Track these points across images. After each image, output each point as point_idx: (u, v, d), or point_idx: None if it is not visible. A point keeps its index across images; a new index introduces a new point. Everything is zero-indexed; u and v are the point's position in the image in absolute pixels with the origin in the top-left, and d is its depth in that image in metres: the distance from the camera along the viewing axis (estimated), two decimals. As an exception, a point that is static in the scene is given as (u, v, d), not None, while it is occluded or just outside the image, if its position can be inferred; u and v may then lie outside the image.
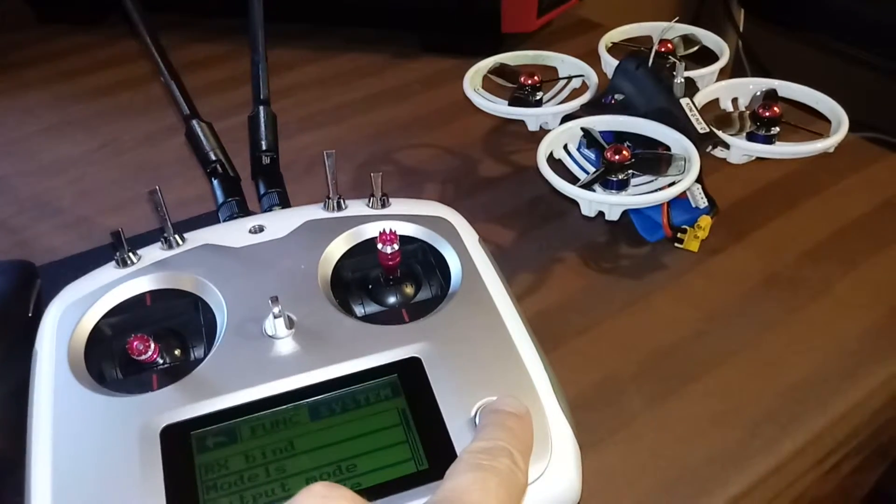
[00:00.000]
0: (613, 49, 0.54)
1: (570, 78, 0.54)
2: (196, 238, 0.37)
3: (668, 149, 0.45)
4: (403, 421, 0.29)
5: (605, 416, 0.39)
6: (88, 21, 0.79)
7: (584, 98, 0.50)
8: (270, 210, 0.41)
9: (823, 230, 0.50)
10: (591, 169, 0.46)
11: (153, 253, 0.36)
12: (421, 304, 0.36)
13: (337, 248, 0.36)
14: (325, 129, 0.62)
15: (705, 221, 0.46)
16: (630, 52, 0.51)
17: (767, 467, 0.36)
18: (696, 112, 0.45)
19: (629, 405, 0.39)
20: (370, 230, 0.37)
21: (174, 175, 0.57)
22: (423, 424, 0.29)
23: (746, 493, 0.36)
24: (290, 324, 0.32)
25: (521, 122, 0.51)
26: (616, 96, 0.49)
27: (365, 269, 0.37)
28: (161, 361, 0.33)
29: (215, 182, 0.43)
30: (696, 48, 0.54)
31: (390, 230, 0.35)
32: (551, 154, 0.47)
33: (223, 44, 0.74)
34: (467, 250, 0.36)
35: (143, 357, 0.32)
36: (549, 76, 0.54)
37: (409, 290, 0.36)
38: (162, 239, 0.36)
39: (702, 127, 0.44)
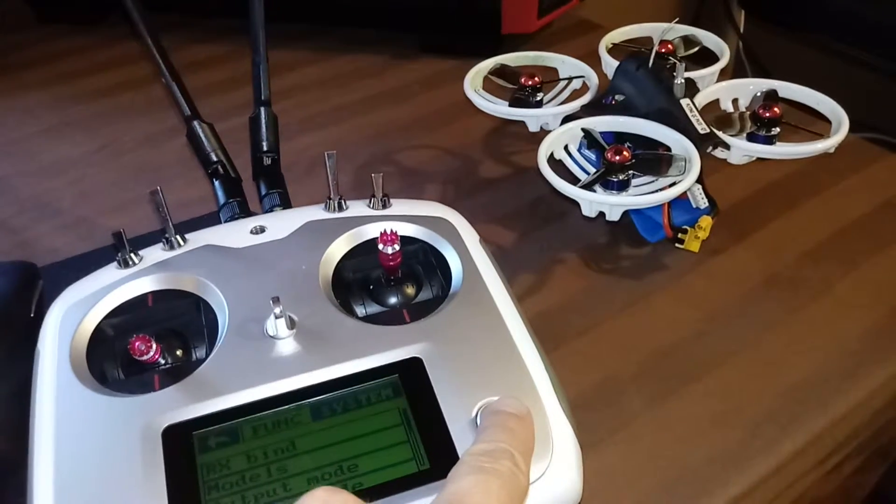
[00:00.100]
0: (614, 50, 0.54)
1: (570, 79, 0.54)
2: (197, 239, 0.37)
3: (669, 149, 0.45)
4: (404, 421, 0.29)
5: (605, 416, 0.39)
6: (89, 22, 0.79)
7: (585, 99, 0.50)
8: (271, 211, 0.41)
9: (824, 230, 0.50)
10: (592, 169, 0.46)
11: (155, 254, 0.36)
12: (422, 305, 0.36)
13: (338, 248, 0.36)
14: (326, 130, 0.62)
15: (706, 222, 0.46)
16: (630, 52, 0.51)
17: (768, 468, 0.36)
18: (696, 113, 0.45)
19: (630, 405, 0.39)
20: (371, 231, 0.37)
21: (175, 176, 0.57)
22: (425, 424, 0.29)
23: (747, 494, 0.36)
24: (292, 324, 0.32)
25: (522, 123, 0.51)
26: (616, 97, 0.49)
27: (366, 270, 0.37)
28: (163, 362, 0.33)
29: (216, 183, 0.43)
30: (696, 49, 0.54)
31: (391, 231, 0.35)
32: (552, 155, 0.47)
33: (224, 44, 0.74)
34: (468, 251, 0.36)
35: (145, 357, 0.32)
36: (550, 77, 0.54)
37: (409, 290, 0.36)
38: (163, 240, 0.36)
39: (702, 127, 0.45)
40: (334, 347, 0.31)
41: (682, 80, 0.46)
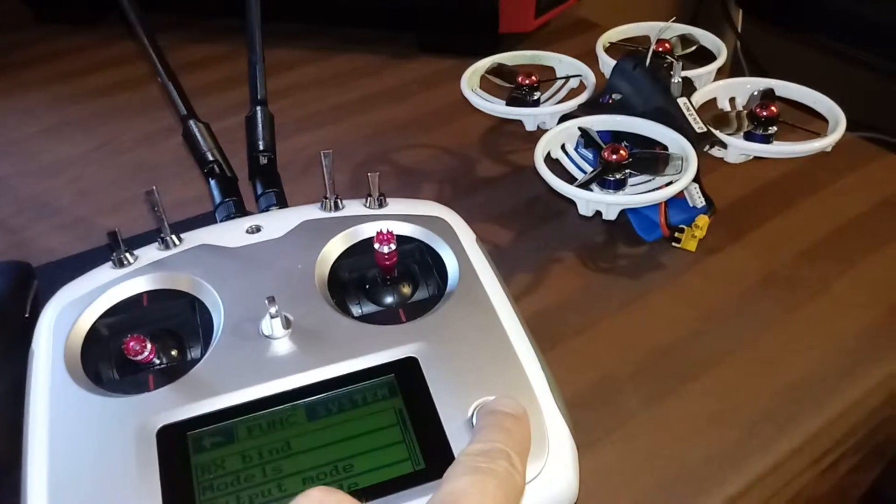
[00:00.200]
0: (611, 49, 0.54)
1: (567, 78, 0.54)
2: (193, 238, 0.37)
3: (666, 148, 0.45)
4: (400, 421, 0.29)
5: (602, 415, 0.39)
6: (87, 21, 0.79)
7: (582, 98, 0.50)
8: (267, 210, 0.41)
9: (821, 229, 0.50)
10: (589, 168, 0.46)
11: (150, 253, 0.36)
12: (418, 304, 0.36)
13: (334, 248, 0.36)
14: (323, 129, 0.62)
15: (703, 221, 0.46)
16: (627, 51, 0.51)
17: (765, 466, 0.36)
18: (693, 112, 0.45)
19: (626, 405, 0.39)
20: (367, 230, 0.37)
21: (172, 175, 0.57)
22: (420, 424, 0.29)
23: (744, 493, 0.36)
24: (287, 324, 0.32)
25: (519, 122, 0.51)
26: (613, 96, 0.49)
27: (362, 269, 0.37)
28: (157, 362, 0.33)
29: (212, 182, 0.43)
30: (693, 48, 0.54)
31: (387, 230, 0.35)
32: (549, 154, 0.47)
33: (221, 44, 0.74)
34: (464, 250, 0.36)
35: (140, 357, 0.32)
36: (547, 76, 0.54)
37: (406, 289, 0.36)
38: (159, 239, 0.36)
39: (699, 126, 0.45)
40: (330, 347, 0.31)
41: (679, 79, 0.46)
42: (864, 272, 0.46)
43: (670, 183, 0.42)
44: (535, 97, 0.52)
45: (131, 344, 0.31)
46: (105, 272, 0.35)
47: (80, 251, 0.50)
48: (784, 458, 0.37)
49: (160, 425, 0.29)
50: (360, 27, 0.76)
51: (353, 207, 0.38)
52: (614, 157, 0.43)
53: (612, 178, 0.43)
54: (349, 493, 0.24)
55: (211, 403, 0.29)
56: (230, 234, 0.37)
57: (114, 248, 0.35)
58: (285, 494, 0.27)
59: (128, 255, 0.35)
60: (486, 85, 0.53)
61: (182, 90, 0.44)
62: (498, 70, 0.53)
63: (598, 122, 0.47)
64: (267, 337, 0.32)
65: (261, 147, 0.44)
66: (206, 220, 0.41)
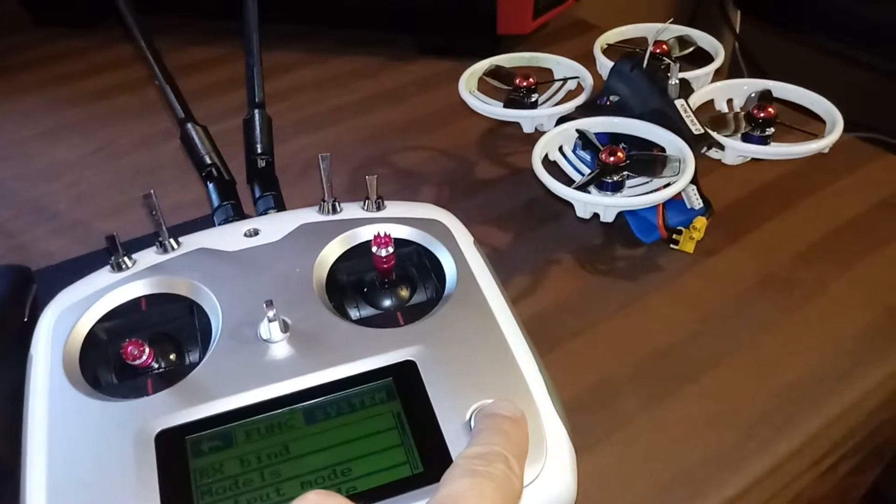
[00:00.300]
0: (609, 50, 0.54)
1: (565, 80, 0.54)
2: (191, 242, 0.37)
3: (663, 150, 0.45)
4: (398, 424, 0.29)
5: (600, 417, 0.39)
6: (85, 24, 0.79)
7: (580, 100, 0.50)
8: (265, 213, 0.41)
9: (818, 230, 0.50)
10: (587, 171, 0.46)
11: (148, 257, 0.36)
12: (416, 307, 0.36)
13: (332, 251, 0.36)
14: (321, 131, 0.62)
15: (700, 222, 0.46)
16: (625, 53, 0.51)
17: (763, 468, 0.36)
18: (690, 113, 0.45)
19: (625, 407, 0.39)
20: (365, 233, 0.37)
21: (170, 179, 0.57)
22: (418, 428, 0.29)
23: (742, 495, 0.36)
24: (285, 327, 0.32)
25: (517, 124, 0.51)
26: (611, 98, 0.49)
27: (360, 273, 0.37)
28: (156, 366, 0.33)
29: (210, 186, 0.43)
30: (691, 49, 0.54)
31: (385, 233, 0.35)
32: (546, 156, 0.47)
33: (218, 47, 0.74)
34: (462, 253, 0.36)
35: (138, 362, 0.32)
36: (545, 78, 0.54)
37: (404, 293, 0.36)
38: (157, 243, 0.36)
39: (696, 128, 0.45)
40: (328, 351, 0.31)
41: (677, 81, 0.46)
42: (861, 273, 0.46)
43: (668, 185, 0.42)
44: (533, 99, 0.52)
45: (130, 348, 0.31)
46: (103, 276, 0.35)
47: (78, 255, 0.50)
48: (782, 461, 0.37)
49: (159, 429, 0.29)
50: (357, 29, 0.76)
51: (350, 210, 0.38)
52: (612, 159, 0.43)
53: (609, 180, 0.43)
54: (347, 496, 0.24)
55: (209, 407, 0.29)
56: (228, 237, 0.37)
57: (112, 252, 0.35)
58: (284, 498, 0.27)
59: (126, 258, 0.35)
60: (483, 87, 0.53)
61: (180, 93, 0.44)
62: (496, 72, 0.53)
63: (596, 124, 0.47)
64: (265, 341, 0.32)
65: (259, 150, 0.44)
66: (205, 223, 0.41)
